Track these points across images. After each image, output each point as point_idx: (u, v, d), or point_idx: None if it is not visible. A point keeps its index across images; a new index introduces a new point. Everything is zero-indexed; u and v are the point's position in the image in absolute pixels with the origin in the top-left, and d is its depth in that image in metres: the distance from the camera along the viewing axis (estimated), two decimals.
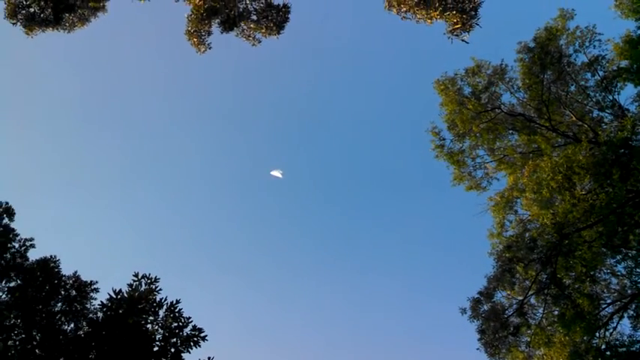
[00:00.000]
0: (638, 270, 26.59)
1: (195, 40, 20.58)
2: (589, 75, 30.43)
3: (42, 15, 21.02)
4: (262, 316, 64.95)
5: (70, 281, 24.11)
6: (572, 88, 31.17)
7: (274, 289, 65.86)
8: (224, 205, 65.97)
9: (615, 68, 28.83)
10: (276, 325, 65.01)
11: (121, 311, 20.31)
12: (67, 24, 21.91)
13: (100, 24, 22.60)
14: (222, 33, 20.70)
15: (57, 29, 21.80)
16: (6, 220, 24.69)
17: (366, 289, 65.62)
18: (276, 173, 43.29)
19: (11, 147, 57.61)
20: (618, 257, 26.71)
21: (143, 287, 21.07)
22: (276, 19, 20.30)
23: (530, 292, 27.74)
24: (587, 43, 29.47)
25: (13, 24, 21.23)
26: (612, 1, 28.42)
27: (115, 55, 57.09)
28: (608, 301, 27.76)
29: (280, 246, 66.98)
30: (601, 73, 29.74)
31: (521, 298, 28.14)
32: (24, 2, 20.95)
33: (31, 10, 21.08)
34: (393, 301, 64.45)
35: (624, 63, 28.34)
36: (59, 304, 23.49)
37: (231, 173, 64.20)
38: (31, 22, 20.98)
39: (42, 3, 20.73)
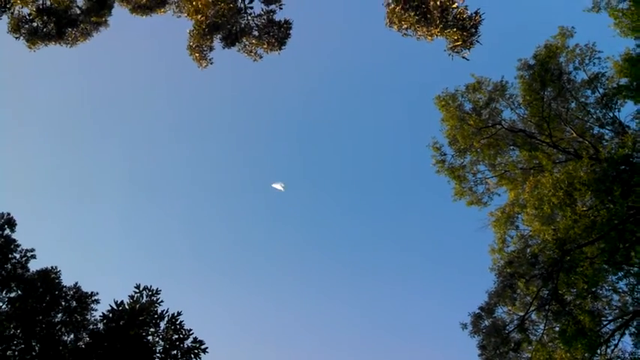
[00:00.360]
0: (639, 287, 26.48)
1: (197, 55, 20.71)
2: (589, 92, 30.73)
3: (45, 29, 21.27)
4: (262, 319, 64.92)
5: (71, 292, 24.07)
6: (573, 104, 31.36)
7: (278, 294, 66.02)
8: (225, 211, 66.30)
9: (615, 85, 29.04)
10: (278, 329, 64.98)
11: (122, 323, 20.32)
12: (70, 38, 22.17)
13: (101, 38, 23.01)
14: (223, 48, 20.88)
15: (59, 43, 22.05)
16: (7, 231, 24.70)
17: (367, 301, 65.56)
18: (278, 186, 43.15)
19: (12, 158, 58.05)
20: (620, 274, 26.67)
21: (144, 299, 21.07)
22: (277, 35, 20.44)
23: (531, 308, 27.63)
24: (587, 61, 29.75)
25: (16, 38, 21.51)
26: (612, 19, 28.76)
27: (116, 68, 57.64)
28: (610, 317, 27.59)
29: (287, 252, 67.22)
30: (601, 90, 29.95)
31: (522, 313, 28.03)
32: (27, 17, 21.24)
33: (34, 24, 21.36)
34: (393, 315, 64.23)
35: (624, 80, 28.58)
36: (59, 315, 23.45)
37: (231, 180, 64.68)
38: (34, 37, 21.20)
39: (45, 18, 20.98)
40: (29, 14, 21.34)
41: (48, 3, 21.11)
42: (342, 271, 66.65)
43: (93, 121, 61.46)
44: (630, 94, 27.55)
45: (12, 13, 20.87)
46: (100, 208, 64.36)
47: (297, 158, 65.52)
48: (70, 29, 21.63)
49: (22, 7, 21.02)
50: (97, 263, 60.53)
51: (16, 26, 21.13)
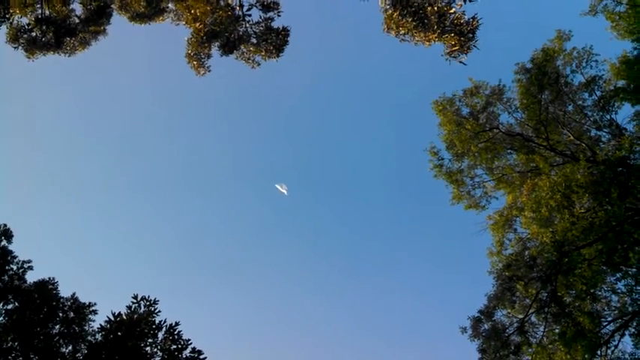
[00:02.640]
0: (638, 287, 26.47)
1: (195, 62, 20.71)
2: (586, 95, 30.75)
3: (43, 39, 21.23)
4: (259, 322, 64.79)
5: (69, 303, 23.91)
6: (570, 107, 31.43)
7: (277, 299, 65.87)
8: (218, 214, 66.27)
9: (612, 88, 29.14)
10: (274, 332, 64.75)
11: (119, 334, 20.15)
12: (68, 47, 22.20)
13: (100, 47, 22.94)
14: (221, 56, 20.86)
15: (58, 53, 22.05)
16: (4, 242, 24.52)
17: (365, 305, 65.55)
18: (281, 188, 43.09)
19: (9, 168, 57.72)
20: (618, 275, 26.66)
21: (142, 309, 20.90)
22: (275, 42, 20.40)
23: (530, 311, 27.60)
24: (584, 64, 29.79)
25: (15, 48, 21.45)
26: (609, 22, 28.85)
27: (114, 76, 57.47)
28: (609, 318, 27.57)
29: (284, 255, 67.02)
30: (598, 92, 30.01)
31: (521, 316, 28.00)
32: (26, 27, 21.14)
33: (33, 34, 21.29)
34: (392, 319, 64.18)
35: (621, 83, 28.70)
36: (57, 327, 23.27)
37: (227, 182, 64.60)
38: (33, 46, 21.22)
39: (43, 27, 20.92)
40: (28, 24, 21.33)
41: (47, 13, 21.03)
42: (339, 275, 66.56)
43: (90, 129, 61.23)
44: (627, 96, 27.68)
45: (11, 23, 20.81)
46: (96, 218, 64.01)
47: (294, 161, 65.47)
48: (68, 39, 21.63)
49: (20, 17, 20.97)
50: (94, 274, 60.18)
51: (15, 36, 21.13)
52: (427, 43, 17.90)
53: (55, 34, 21.05)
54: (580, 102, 30.98)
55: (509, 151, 32.62)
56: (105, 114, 60.30)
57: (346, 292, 66.16)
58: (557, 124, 31.03)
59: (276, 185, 43.68)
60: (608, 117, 29.86)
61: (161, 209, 65.51)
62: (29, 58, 21.70)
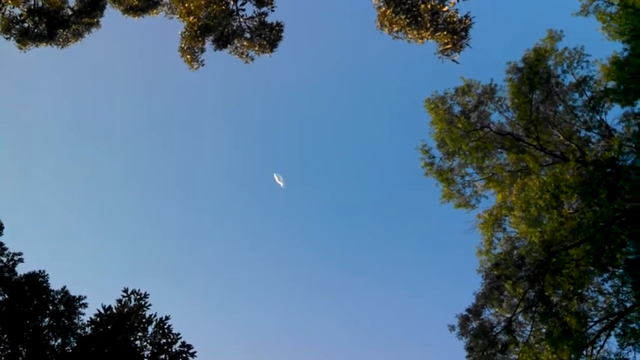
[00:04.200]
0: (624, 288, 26.73)
1: (189, 56, 20.67)
2: (577, 95, 31.00)
3: (36, 30, 21.17)
4: (249, 322, 64.66)
5: (59, 296, 23.78)
6: (561, 108, 31.66)
7: (266, 296, 65.74)
8: (211, 210, 66.01)
9: (602, 89, 29.38)
10: (264, 332, 64.69)
11: (109, 327, 20.13)
12: (61, 39, 22.13)
13: (93, 39, 22.88)
14: (215, 50, 20.84)
15: (50, 44, 21.99)
16: None
17: (354, 302, 65.66)
18: (278, 180, 43.03)
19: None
20: (605, 275, 26.89)
21: (132, 303, 20.88)
22: (269, 38, 20.41)
23: (518, 310, 27.83)
24: (575, 64, 30.05)
25: (7, 39, 21.40)
26: (600, 23, 29.11)
27: (107, 69, 57.23)
28: (596, 319, 27.81)
29: (275, 253, 66.89)
30: (589, 93, 30.27)
31: (509, 315, 28.22)
32: (18, 17, 21.08)
33: (25, 25, 21.24)
34: (380, 315, 64.35)
35: (611, 84, 28.92)
36: (47, 319, 23.17)
37: (219, 178, 64.39)
38: (25, 37, 21.14)
39: (36, 18, 20.85)
40: (20, 15, 21.24)
41: (39, 4, 21.00)
42: (329, 271, 66.59)
43: (81, 121, 60.80)
44: (617, 97, 27.92)
45: (3, 14, 20.76)
46: (86, 211, 63.64)
47: (286, 157, 65.35)
48: (61, 30, 21.57)
49: (13, 8, 20.91)
50: (85, 267, 59.86)
51: (7, 27, 21.05)
52: (420, 40, 17.95)
53: (47, 26, 20.94)
54: (570, 102, 31.22)
55: (499, 150, 32.81)
56: (97, 106, 59.93)
57: (336, 289, 66.28)
58: (548, 124, 31.24)
59: (275, 175, 43.54)
60: (598, 118, 30.14)
61: (153, 205, 65.22)
62: (21, 49, 21.60)
